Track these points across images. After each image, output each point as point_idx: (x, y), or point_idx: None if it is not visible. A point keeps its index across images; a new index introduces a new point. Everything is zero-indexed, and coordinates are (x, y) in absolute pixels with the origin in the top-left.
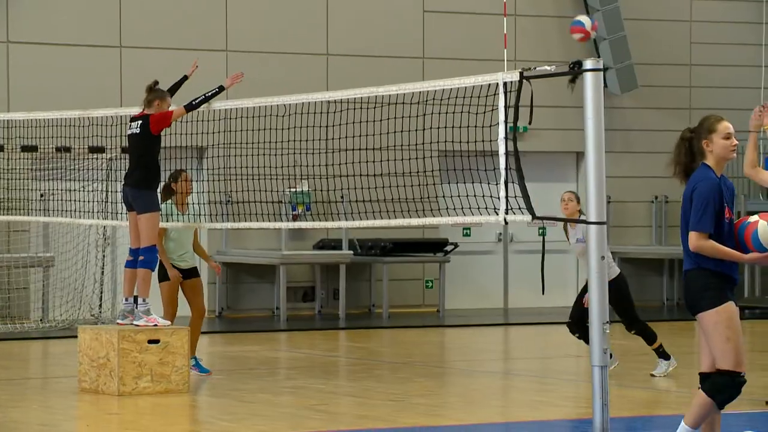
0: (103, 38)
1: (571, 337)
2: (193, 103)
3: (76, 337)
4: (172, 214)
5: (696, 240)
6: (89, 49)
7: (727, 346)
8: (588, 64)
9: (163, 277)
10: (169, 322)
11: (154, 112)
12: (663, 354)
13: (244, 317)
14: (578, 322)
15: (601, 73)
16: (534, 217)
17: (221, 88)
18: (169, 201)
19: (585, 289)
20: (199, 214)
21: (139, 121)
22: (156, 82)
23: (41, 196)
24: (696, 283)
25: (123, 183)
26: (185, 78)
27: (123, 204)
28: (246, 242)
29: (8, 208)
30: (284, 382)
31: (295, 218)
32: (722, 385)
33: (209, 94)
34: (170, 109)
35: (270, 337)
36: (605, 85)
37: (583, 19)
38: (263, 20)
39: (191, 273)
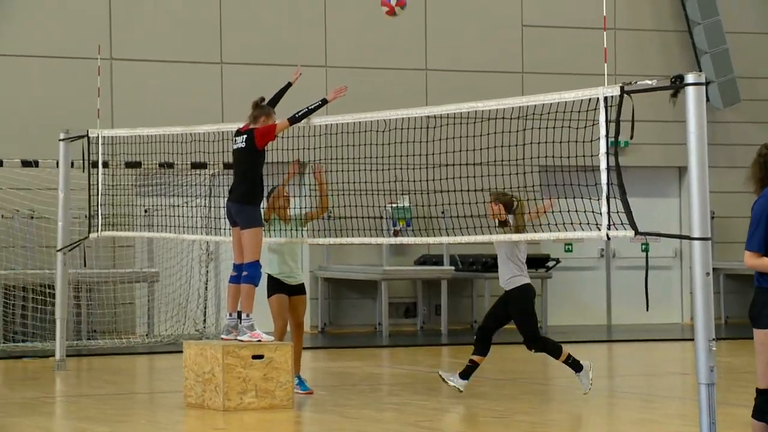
0: (205, 54)
1: (675, 354)
2: (296, 116)
3: (181, 352)
4: (276, 230)
5: (748, 259)
6: (191, 65)
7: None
8: (690, 78)
9: (272, 291)
10: (273, 338)
11: (258, 127)
12: (575, 365)
13: (347, 333)
14: None
15: (704, 87)
16: (637, 232)
17: (324, 101)
18: (273, 216)
19: None
20: (302, 220)
21: (244, 136)
22: (262, 99)
23: (145, 211)
24: (757, 299)
25: (227, 198)
26: (289, 85)
27: (226, 219)
28: (348, 258)
29: (113, 224)
30: (387, 399)
31: (396, 234)
32: (762, 404)
33: (312, 106)
34: (276, 128)
35: (372, 352)
36: (707, 99)
37: None
38: (362, 35)
39: (298, 289)
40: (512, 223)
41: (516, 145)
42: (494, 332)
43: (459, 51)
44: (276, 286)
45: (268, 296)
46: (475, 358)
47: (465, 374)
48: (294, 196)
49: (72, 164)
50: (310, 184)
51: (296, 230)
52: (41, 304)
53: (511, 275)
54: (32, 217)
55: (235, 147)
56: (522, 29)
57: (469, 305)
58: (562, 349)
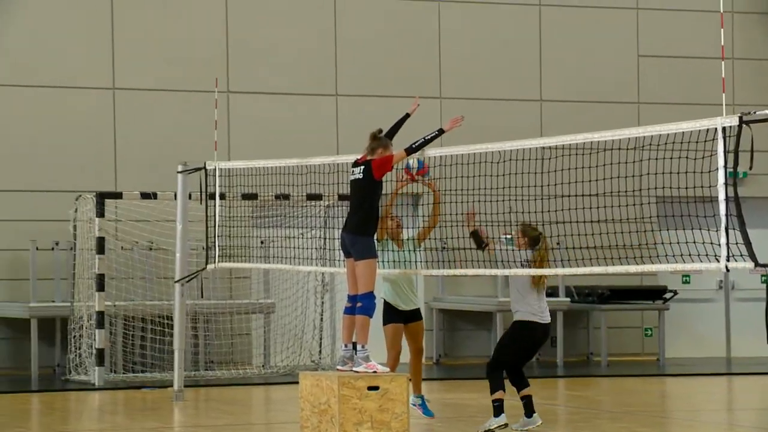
0: (320, 87)
1: None
2: (413, 146)
3: (297, 383)
4: (390, 250)
5: None
6: (306, 97)
7: None
8: None
9: (387, 319)
10: (389, 369)
11: (375, 158)
12: (497, 409)
13: (462, 364)
14: None
15: None
16: (756, 264)
17: (440, 131)
18: (385, 238)
19: None
20: (415, 240)
21: (362, 167)
22: (380, 130)
23: (261, 243)
24: None
25: (342, 229)
26: (407, 116)
27: (341, 250)
28: (462, 289)
29: (230, 255)
30: (504, 430)
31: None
32: None
33: (429, 137)
34: (394, 159)
35: (488, 384)
36: None
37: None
38: (476, 66)
39: (414, 316)
40: (529, 258)
41: (632, 176)
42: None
43: (574, 82)
44: (391, 313)
45: (383, 324)
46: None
47: (497, 410)
48: (407, 227)
49: (190, 196)
50: (424, 216)
51: (410, 252)
52: (159, 335)
53: (516, 309)
54: (151, 249)
55: (352, 178)
56: (638, 59)
57: (585, 337)
58: (499, 391)
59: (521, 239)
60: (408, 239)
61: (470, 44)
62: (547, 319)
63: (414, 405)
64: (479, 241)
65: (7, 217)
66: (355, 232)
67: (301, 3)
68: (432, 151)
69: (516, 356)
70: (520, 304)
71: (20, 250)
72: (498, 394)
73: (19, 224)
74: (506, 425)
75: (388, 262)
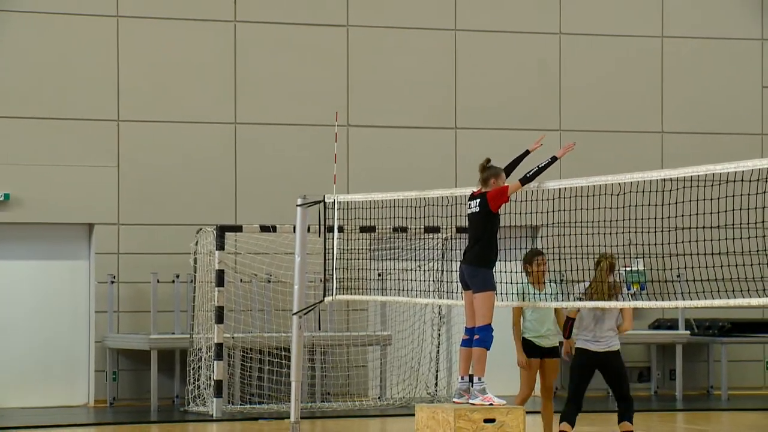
0: (439, 120)
1: None
2: (528, 176)
3: (413, 415)
4: (528, 293)
5: None
6: (425, 131)
7: None
8: None
9: (528, 354)
10: (504, 402)
11: (490, 190)
12: None
13: (591, 397)
14: None
15: None
16: None
17: (554, 159)
18: (526, 281)
19: None
20: (558, 293)
21: (478, 200)
22: (488, 160)
23: (379, 275)
24: None
25: (461, 261)
26: (527, 153)
27: (459, 283)
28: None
29: (347, 287)
30: None
31: (630, 297)
32: None
33: (543, 165)
34: (509, 190)
35: (605, 418)
36: None
37: None
38: (596, 98)
39: (551, 352)
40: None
41: (756, 208)
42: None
43: (696, 113)
44: (528, 349)
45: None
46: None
47: None
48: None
49: (308, 229)
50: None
51: (552, 294)
52: (277, 367)
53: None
54: (269, 281)
55: (469, 212)
56: (762, 90)
57: (705, 370)
58: (562, 422)
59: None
60: (550, 292)
61: (591, 75)
62: (603, 348)
63: None
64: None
65: (129, 250)
66: (474, 264)
67: (421, 36)
68: (551, 183)
69: (571, 383)
70: (578, 330)
71: (142, 282)
72: (561, 426)
73: (141, 257)
74: None
75: (526, 294)
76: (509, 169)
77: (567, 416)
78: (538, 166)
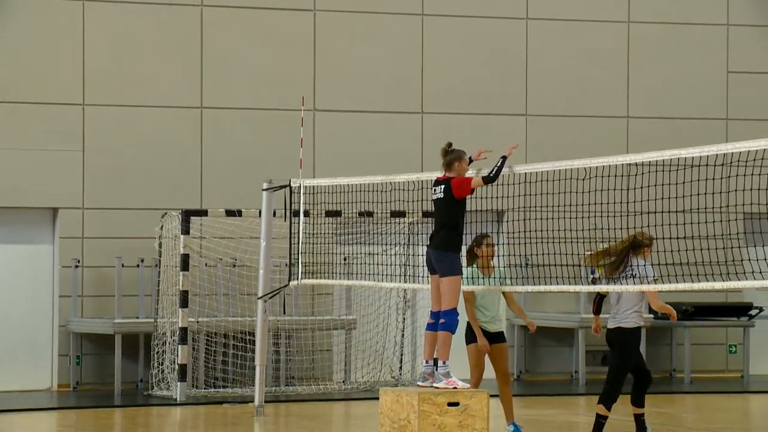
0: (405, 104)
1: None
2: (491, 176)
3: (377, 398)
4: (476, 278)
5: None
6: (391, 115)
7: None
8: None
9: (470, 338)
10: (469, 385)
11: (455, 174)
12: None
13: (543, 380)
14: None
15: None
16: None
17: (504, 158)
18: (474, 265)
19: None
20: (505, 277)
21: (442, 185)
22: (450, 144)
23: (344, 259)
24: None
25: (427, 245)
26: (504, 159)
27: (425, 267)
28: (544, 305)
29: (313, 272)
30: None
31: (594, 281)
32: None
33: (499, 165)
34: (469, 175)
35: (569, 401)
36: None
37: None
38: (562, 83)
39: (498, 337)
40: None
41: (720, 193)
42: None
43: (661, 98)
44: (474, 334)
45: (467, 343)
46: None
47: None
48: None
49: (274, 213)
50: (508, 232)
51: (498, 278)
52: (241, 351)
53: None
54: (234, 266)
55: (434, 197)
56: (727, 75)
57: (668, 354)
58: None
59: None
60: (497, 276)
61: (556, 61)
62: (615, 324)
63: None
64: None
65: (94, 235)
66: (441, 249)
67: (388, 21)
68: (518, 168)
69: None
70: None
71: (106, 266)
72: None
73: (106, 242)
74: None
75: (474, 278)
76: (492, 178)
77: (601, 397)
78: (496, 166)
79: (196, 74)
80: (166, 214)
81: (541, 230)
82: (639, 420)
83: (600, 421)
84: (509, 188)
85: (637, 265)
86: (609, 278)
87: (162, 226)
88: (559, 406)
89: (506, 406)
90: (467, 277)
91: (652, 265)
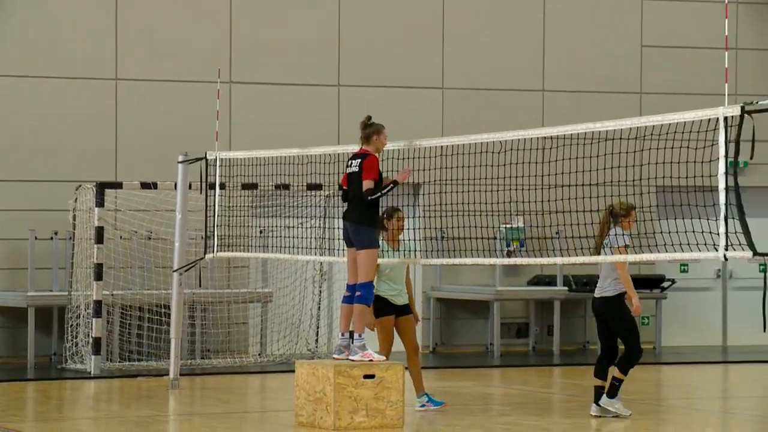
0: (322, 77)
1: None
2: (371, 197)
3: (293, 371)
4: (384, 251)
5: None
6: (308, 88)
7: None
8: None
9: (379, 312)
10: (384, 357)
11: (372, 149)
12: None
13: (458, 353)
14: None
15: None
16: (755, 253)
17: (395, 183)
18: (381, 237)
19: None
20: (411, 250)
21: (359, 159)
22: (369, 118)
23: (261, 232)
24: None
25: (343, 218)
26: (396, 184)
27: (342, 240)
28: (460, 278)
29: (229, 244)
30: (498, 419)
31: (509, 254)
32: None
33: (385, 190)
34: (369, 180)
35: (483, 373)
36: None
37: None
38: (479, 57)
39: (404, 310)
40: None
41: (633, 166)
42: None
43: (576, 72)
44: (383, 306)
45: (376, 317)
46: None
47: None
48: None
49: (190, 186)
50: (424, 205)
51: (406, 252)
52: (157, 324)
53: None
54: (149, 239)
55: (349, 170)
56: (641, 49)
57: (582, 326)
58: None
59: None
60: (405, 249)
61: (473, 34)
62: (598, 294)
63: (423, 406)
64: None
65: (6, 207)
66: (358, 222)
67: None
68: (434, 141)
69: None
70: None
71: (19, 239)
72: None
73: (19, 214)
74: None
75: (384, 251)
76: (379, 195)
77: (595, 370)
78: (381, 192)
79: (111, 45)
80: (80, 186)
81: (457, 203)
82: (598, 391)
83: (614, 384)
84: (425, 161)
85: (613, 234)
86: (597, 249)
87: (76, 199)
88: (474, 378)
89: (416, 379)
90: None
91: (624, 235)
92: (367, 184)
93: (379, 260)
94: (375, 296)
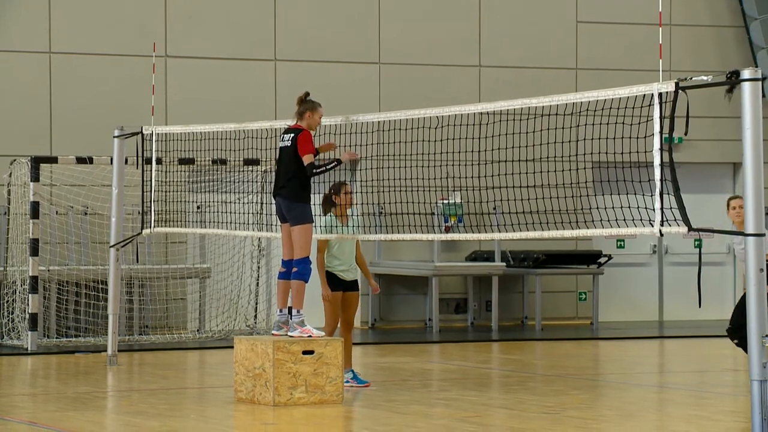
0: (258, 52)
1: (728, 351)
2: (314, 171)
3: (231, 347)
4: (334, 226)
5: None
6: (245, 62)
7: None
8: (746, 73)
9: (331, 287)
10: (323, 333)
11: (305, 125)
12: None
13: (397, 328)
14: (739, 328)
15: (760, 83)
16: (690, 228)
17: (338, 161)
18: (330, 213)
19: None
20: (361, 226)
21: (291, 134)
22: (307, 94)
23: (198, 208)
24: None
25: (274, 194)
26: (338, 162)
27: (277, 216)
28: (398, 254)
29: (166, 220)
30: (437, 394)
31: (447, 230)
32: None
33: (329, 166)
34: (308, 154)
35: (422, 348)
36: (763, 95)
37: None
38: (415, 32)
39: (352, 286)
40: None
41: (569, 142)
42: None
43: (512, 48)
44: (332, 281)
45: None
46: None
47: None
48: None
49: (126, 161)
50: (362, 180)
51: (355, 227)
52: (94, 300)
53: None
54: (86, 214)
55: (281, 144)
56: (576, 25)
57: (520, 301)
58: None
59: None
60: (353, 225)
61: (410, 10)
62: None
63: (347, 382)
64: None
65: None
66: (290, 198)
67: None
68: (370, 116)
69: None
70: None
71: None
72: None
73: None
74: None
75: (333, 227)
76: (318, 173)
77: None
78: (325, 166)
79: (44, 18)
80: (14, 160)
81: (394, 179)
82: None
83: None
84: (362, 137)
85: None
86: None
87: (11, 173)
88: (414, 354)
89: (347, 354)
90: (324, 226)
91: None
92: (308, 158)
93: (327, 236)
94: (327, 272)
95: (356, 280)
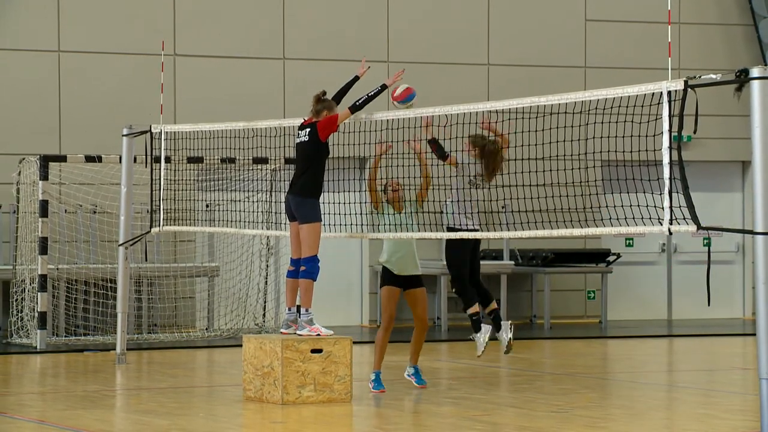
0: (267, 50)
1: (737, 349)
2: (357, 104)
3: (240, 346)
4: (388, 214)
5: None
6: (254, 61)
7: None
8: (755, 72)
9: (383, 282)
10: (332, 332)
11: (321, 120)
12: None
13: (406, 327)
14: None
15: None
16: (699, 227)
17: (384, 87)
18: (383, 201)
19: None
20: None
21: (308, 129)
22: (324, 92)
23: (207, 206)
24: None
25: (287, 191)
26: (356, 78)
27: (286, 214)
28: None
29: (175, 218)
30: (446, 393)
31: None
32: None
33: (372, 93)
34: (339, 113)
35: (431, 347)
36: None
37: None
38: (424, 30)
39: (413, 282)
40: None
41: (578, 140)
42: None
43: (521, 46)
44: (386, 276)
45: (380, 286)
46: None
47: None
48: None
49: (135, 159)
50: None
51: (409, 214)
52: (103, 298)
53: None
54: (95, 212)
55: (297, 141)
56: (585, 23)
57: (528, 300)
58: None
59: (472, 151)
60: (408, 201)
61: (418, 8)
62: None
63: (408, 376)
64: (441, 151)
65: None
66: (300, 195)
67: None
68: (379, 115)
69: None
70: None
71: None
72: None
73: None
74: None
75: (387, 225)
76: (338, 97)
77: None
78: (368, 95)
79: (54, 17)
80: (24, 159)
81: (404, 177)
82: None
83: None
84: (371, 135)
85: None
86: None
87: (20, 172)
88: (422, 353)
89: (412, 348)
90: (380, 213)
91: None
92: (343, 115)
93: (378, 235)
94: (382, 265)
95: (418, 276)
